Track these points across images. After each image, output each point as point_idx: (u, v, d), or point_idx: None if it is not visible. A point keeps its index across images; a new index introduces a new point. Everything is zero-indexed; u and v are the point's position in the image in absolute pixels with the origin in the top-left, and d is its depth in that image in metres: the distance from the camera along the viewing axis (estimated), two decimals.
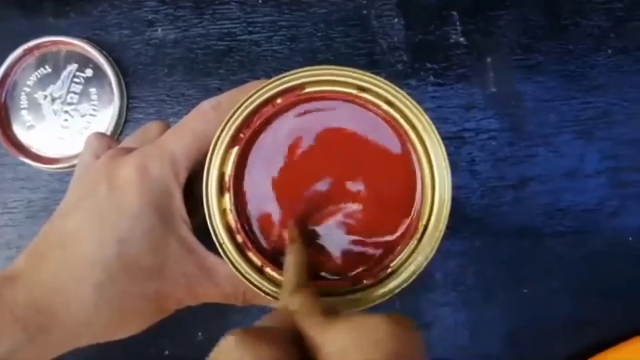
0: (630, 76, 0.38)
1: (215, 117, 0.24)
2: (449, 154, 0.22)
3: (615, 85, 0.38)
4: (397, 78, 0.38)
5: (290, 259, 0.21)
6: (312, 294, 0.19)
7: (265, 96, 0.23)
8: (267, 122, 0.23)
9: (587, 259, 0.37)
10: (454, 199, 0.22)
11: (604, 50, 0.38)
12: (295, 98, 0.23)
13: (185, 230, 0.24)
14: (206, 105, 0.25)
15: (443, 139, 0.23)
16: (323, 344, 0.16)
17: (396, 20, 0.38)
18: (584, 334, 0.37)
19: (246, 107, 0.23)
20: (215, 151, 0.23)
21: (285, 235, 0.23)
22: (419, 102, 0.23)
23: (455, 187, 0.37)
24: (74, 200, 0.24)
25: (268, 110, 0.23)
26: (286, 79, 0.23)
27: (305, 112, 0.24)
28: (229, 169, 0.23)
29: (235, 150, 0.23)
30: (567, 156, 0.37)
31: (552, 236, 0.37)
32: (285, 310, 0.18)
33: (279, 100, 0.23)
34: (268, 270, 0.23)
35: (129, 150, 0.24)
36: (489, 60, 0.38)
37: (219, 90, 0.38)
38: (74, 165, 0.38)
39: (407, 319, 0.16)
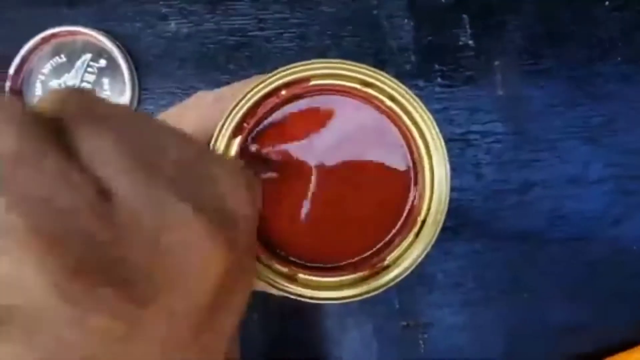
0: (638, 85, 0.38)
1: (217, 109, 0.24)
2: (453, 156, 0.22)
3: (622, 94, 0.38)
4: (404, 78, 0.38)
5: None
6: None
7: (270, 87, 0.23)
8: (271, 113, 0.24)
9: (588, 266, 0.37)
10: (458, 201, 0.22)
11: (612, 58, 0.38)
12: (300, 90, 0.23)
13: None
14: (209, 97, 0.26)
15: (448, 140, 0.23)
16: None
17: (406, 21, 0.39)
18: (582, 341, 0.37)
19: (251, 98, 0.23)
20: (219, 140, 0.23)
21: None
22: (426, 103, 0.24)
23: (459, 189, 0.38)
24: None
25: (272, 101, 0.23)
26: (292, 70, 0.23)
27: (309, 106, 0.24)
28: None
29: (238, 140, 0.24)
30: (572, 162, 0.38)
31: (554, 242, 0.37)
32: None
33: (283, 92, 0.24)
34: (263, 257, 0.23)
35: None
36: (497, 63, 0.38)
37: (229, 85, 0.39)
38: None
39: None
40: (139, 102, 0.39)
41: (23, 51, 0.39)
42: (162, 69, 0.39)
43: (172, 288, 0.13)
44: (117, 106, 0.14)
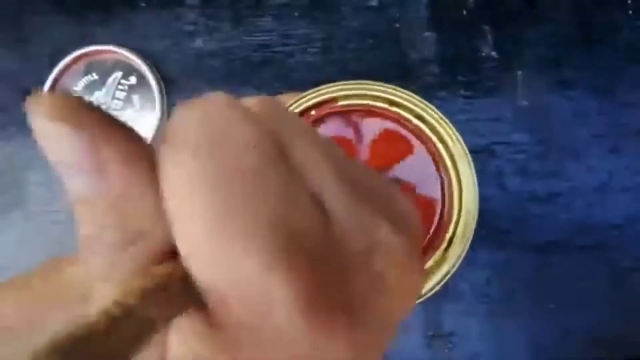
0: None
1: None
2: (478, 167, 0.23)
3: None
4: (427, 90, 0.38)
5: None
6: None
7: (299, 108, 0.24)
8: None
9: (615, 275, 0.37)
10: (482, 211, 0.22)
11: (636, 65, 0.38)
12: (328, 111, 0.24)
13: None
14: None
15: (472, 151, 0.24)
16: None
17: (428, 33, 0.39)
18: (610, 351, 0.37)
19: None
20: None
21: None
22: (449, 115, 0.24)
23: (483, 200, 0.38)
24: None
25: None
26: (320, 92, 0.24)
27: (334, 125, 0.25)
28: None
29: None
30: (597, 171, 0.37)
31: (580, 251, 0.37)
32: None
33: (312, 112, 0.24)
34: None
35: None
36: (519, 73, 0.38)
37: None
38: None
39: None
40: (168, 117, 0.41)
41: (56, 70, 0.41)
42: (189, 85, 0.40)
43: (382, 311, 0.13)
44: (305, 124, 0.15)
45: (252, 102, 0.14)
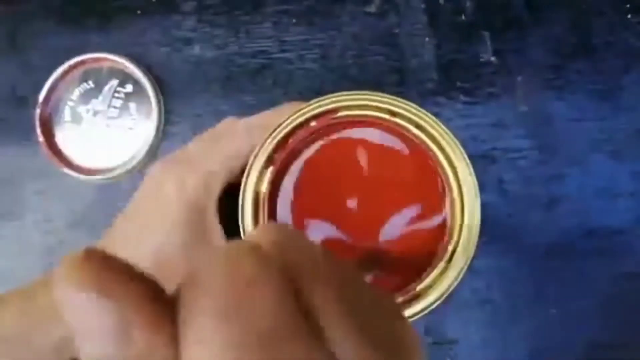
0: None
1: (247, 138, 0.25)
2: (478, 173, 0.22)
3: None
4: (426, 96, 0.38)
5: None
6: None
7: (300, 119, 0.24)
8: (302, 145, 0.24)
9: (617, 281, 0.37)
10: (483, 217, 0.22)
11: (636, 70, 0.38)
12: (328, 122, 0.24)
13: (218, 242, 0.25)
14: (239, 125, 0.27)
15: (473, 157, 0.23)
16: None
17: (427, 39, 0.39)
18: (612, 357, 0.37)
19: (282, 130, 0.24)
20: (252, 170, 0.24)
21: None
22: (449, 121, 0.24)
23: (484, 206, 0.38)
24: (131, 205, 0.27)
25: (302, 132, 0.24)
26: (320, 103, 0.24)
27: (336, 139, 0.25)
28: (264, 188, 0.24)
29: (270, 170, 0.24)
30: (598, 176, 0.37)
31: (582, 256, 0.37)
32: None
33: (313, 124, 0.24)
34: None
35: (182, 157, 0.26)
36: (519, 79, 0.38)
37: (253, 107, 0.40)
38: (113, 177, 0.39)
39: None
40: (165, 124, 0.40)
41: (52, 78, 0.40)
42: (187, 92, 0.40)
43: None
44: (331, 257, 0.14)
45: (266, 232, 0.13)
